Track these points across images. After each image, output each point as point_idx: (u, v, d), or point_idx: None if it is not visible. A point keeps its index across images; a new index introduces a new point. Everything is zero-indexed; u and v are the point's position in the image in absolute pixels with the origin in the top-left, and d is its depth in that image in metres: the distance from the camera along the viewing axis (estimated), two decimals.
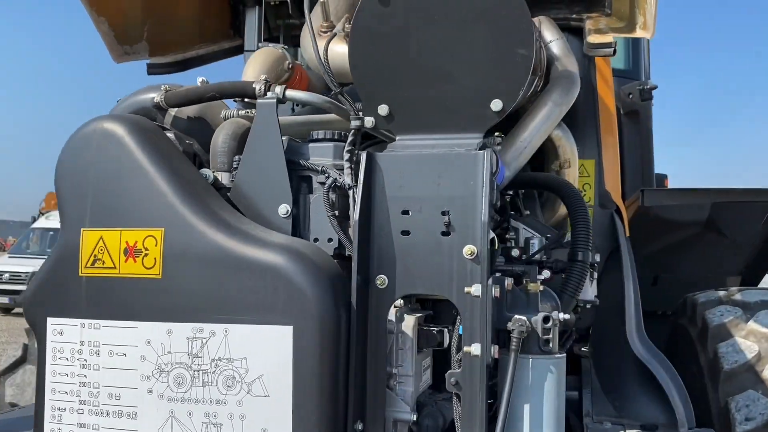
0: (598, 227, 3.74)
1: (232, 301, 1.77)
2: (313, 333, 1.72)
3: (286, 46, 2.72)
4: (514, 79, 1.93)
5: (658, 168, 5.59)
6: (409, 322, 2.00)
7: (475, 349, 1.73)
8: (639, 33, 2.72)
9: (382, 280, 1.86)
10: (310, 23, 2.09)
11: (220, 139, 2.13)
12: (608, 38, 2.80)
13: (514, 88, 1.94)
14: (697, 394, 3.04)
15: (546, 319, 1.80)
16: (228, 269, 1.78)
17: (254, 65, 2.66)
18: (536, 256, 2.72)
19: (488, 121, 1.96)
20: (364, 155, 1.88)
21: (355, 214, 1.82)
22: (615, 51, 2.90)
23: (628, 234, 3.71)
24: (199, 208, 1.84)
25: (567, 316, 1.87)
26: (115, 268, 1.86)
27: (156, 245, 1.83)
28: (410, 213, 1.88)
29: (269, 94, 2.07)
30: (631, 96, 5.09)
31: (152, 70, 3.28)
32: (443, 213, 1.84)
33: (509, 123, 2.96)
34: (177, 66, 3.29)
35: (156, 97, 2.27)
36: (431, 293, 1.86)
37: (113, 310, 1.86)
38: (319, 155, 2.08)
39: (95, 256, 1.88)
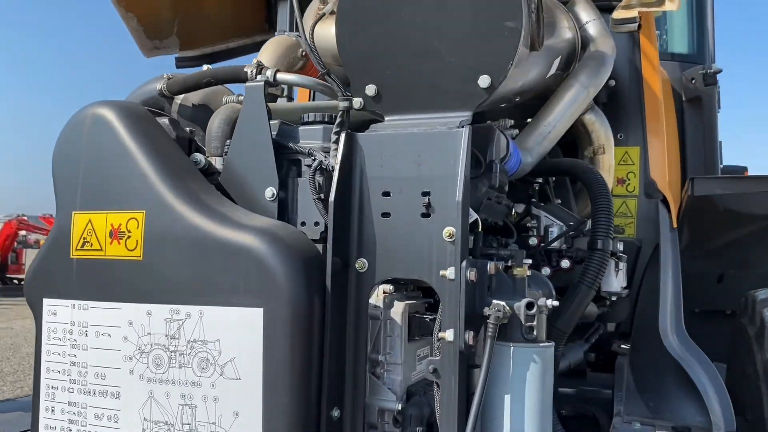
0: (643, 218, 3.54)
1: (207, 282, 1.76)
2: (283, 316, 1.68)
3: (300, 35, 2.71)
4: (501, 53, 1.84)
5: (740, 159, 5.25)
6: (399, 309, 1.94)
7: (450, 335, 1.65)
8: (667, 6, 2.54)
9: (361, 263, 1.81)
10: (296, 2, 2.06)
11: (215, 124, 2.13)
12: (632, 13, 2.64)
13: (502, 63, 1.84)
14: (752, 398, 2.82)
15: (530, 306, 1.70)
16: (203, 251, 1.77)
17: (266, 54, 2.66)
18: (555, 244, 2.61)
19: (477, 98, 1.87)
20: (343, 135, 1.83)
21: (331, 195, 1.78)
22: (640, 26, 2.74)
23: (675, 225, 3.49)
24: (181, 191, 1.84)
25: (555, 303, 1.75)
26: (101, 250, 1.89)
27: (138, 227, 1.84)
28: (391, 194, 1.82)
29: (259, 77, 2.06)
30: (693, 81, 4.82)
31: (180, 63, 3.34)
32: (423, 194, 1.77)
33: (536, 107, 2.86)
34: (205, 59, 3.35)
35: (158, 85, 2.31)
36: (410, 277, 1.79)
37: (99, 291, 1.89)
38: (309, 138, 2.05)
39: (84, 238, 1.92)
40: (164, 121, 2.09)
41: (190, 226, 1.79)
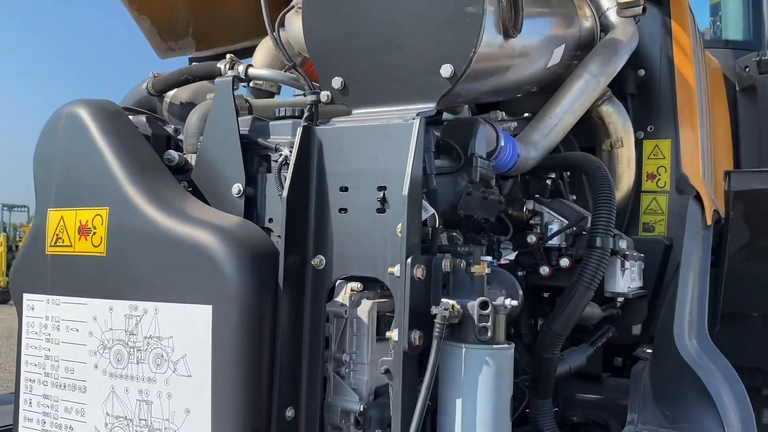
0: (675, 215, 3.34)
1: (162, 279, 1.76)
2: (231, 314, 1.66)
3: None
4: (463, 41, 1.76)
5: None
6: (365, 308, 1.89)
7: (396, 334, 1.59)
8: None
9: (319, 260, 1.77)
10: None
11: (192, 121, 2.13)
12: None
13: (464, 51, 1.76)
14: None
15: (484, 305, 1.61)
16: (159, 247, 1.77)
17: (261, 52, 2.66)
18: (555, 242, 2.48)
19: (440, 88, 1.80)
20: (300, 129, 1.79)
21: (285, 191, 1.74)
22: (645, 9, 2.57)
23: (709, 222, 3.27)
24: (143, 188, 1.85)
25: (515, 303, 1.66)
26: (71, 246, 1.92)
27: (102, 224, 1.86)
28: (349, 189, 1.77)
29: (230, 72, 2.05)
30: (747, 69, 4.54)
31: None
32: (379, 189, 1.71)
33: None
34: (221, 59, 3.37)
35: (145, 84, 2.33)
36: (366, 275, 1.73)
37: (69, 286, 1.93)
38: (279, 133, 2.02)
39: (57, 235, 1.96)
40: (141, 119, 2.11)
41: (148, 222, 1.80)
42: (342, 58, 1.91)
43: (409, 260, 1.59)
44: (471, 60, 1.77)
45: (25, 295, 2.02)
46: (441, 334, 1.56)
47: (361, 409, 1.81)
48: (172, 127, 2.25)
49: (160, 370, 1.75)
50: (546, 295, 2.61)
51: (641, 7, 2.59)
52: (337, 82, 1.91)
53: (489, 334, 1.61)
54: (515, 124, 2.74)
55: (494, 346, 1.61)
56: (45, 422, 1.96)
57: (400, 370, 1.58)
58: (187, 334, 1.71)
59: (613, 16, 3.06)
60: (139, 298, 1.79)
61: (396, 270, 1.60)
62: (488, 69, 1.97)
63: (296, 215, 1.76)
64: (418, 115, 1.73)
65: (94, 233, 1.87)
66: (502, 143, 2.28)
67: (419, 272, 1.60)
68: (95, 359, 1.86)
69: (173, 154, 2.07)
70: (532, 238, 2.48)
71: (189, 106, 2.40)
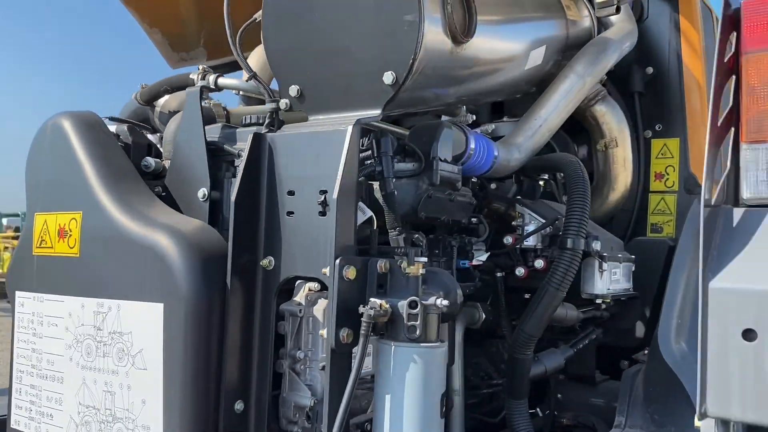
0: (684, 215, 3.26)
1: (124, 278, 1.89)
2: (180, 311, 1.77)
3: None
4: (402, 48, 1.81)
5: None
6: (321, 306, 1.96)
7: (325, 332, 1.66)
8: None
9: (268, 261, 1.86)
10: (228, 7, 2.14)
11: (170, 129, 2.26)
12: None
13: (404, 58, 1.81)
14: None
15: (413, 305, 1.66)
16: (122, 249, 1.90)
17: (253, 59, 2.76)
18: (531, 243, 2.49)
19: (384, 95, 1.85)
20: (250, 136, 1.89)
21: (233, 195, 1.83)
22: (618, 9, 2.54)
23: None
24: (112, 194, 1.98)
25: (446, 303, 1.69)
26: (52, 247, 2.08)
27: (76, 227, 2.01)
28: (295, 193, 1.84)
29: (201, 83, 2.16)
30: None
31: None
32: (321, 192, 1.78)
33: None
34: (228, 67, 3.51)
35: (134, 94, 2.48)
36: (309, 275, 1.80)
37: (50, 284, 2.08)
38: (243, 140, 2.11)
39: (41, 237, 2.11)
40: (123, 128, 2.25)
41: (113, 225, 1.93)
42: (298, 67, 1.99)
43: (337, 261, 1.65)
44: (412, 67, 1.81)
45: (17, 293, 2.19)
46: (367, 332, 1.62)
47: (311, 404, 1.89)
48: (159, 134, 2.39)
49: (122, 363, 1.87)
50: (527, 296, 2.61)
51: (615, 6, 2.56)
52: (293, 90, 1.99)
53: (418, 332, 1.65)
54: (493, 126, 2.77)
55: (422, 344, 1.66)
56: (31, 410, 2.12)
57: (328, 367, 1.65)
58: (143, 330, 1.83)
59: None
60: (106, 296, 1.92)
61: (327, 270, 1.67)
62: (440, 75, 2.01)
63: (246, 218, 1.85)
64: (358, 121, 1.79)
65: (70, 235, 2.02)
66: (472, 146, 2.31)
67: (349, 273, 1.66)
68: (70, 352, 2.00)
69: (150, 160, 2.20)
70: (508, 239, 2.50)
71: (176, 114, 2.53)
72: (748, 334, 1.20)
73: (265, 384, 1.86)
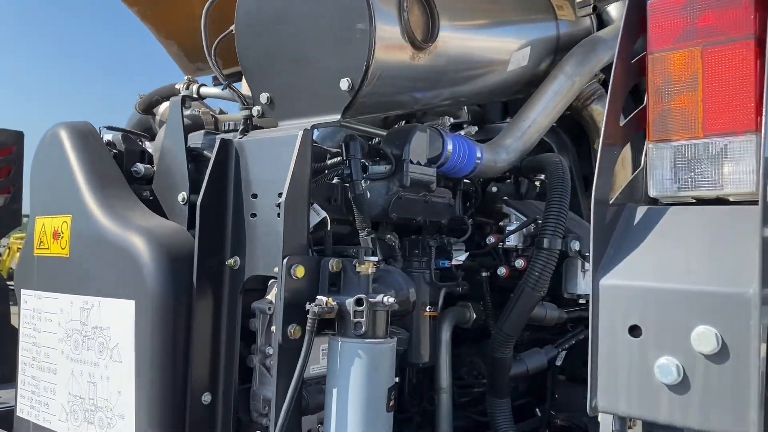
0: None
1: (103, 277, 2.02)
2: (149, 308, 1.88)
3: None
4: (356, 55, 1.88)
5: None
6: None
7: (273, 328, 1.74)
8: None
9: (234, 261, 1.95)
10: (206, 17, 2.25)
11: (159, 136, 2.39)
12: None
13: (358, 64, 1.88)
14: None
15: (359, 302, 1.72)
16: (102, 249, 2.03)
17: None
18: (512, 243, 2.51)
19: (342, 101, 1.93)
20: (217, 142, 1.99)
21: (199, 198, 1.94)
22: (595, 8, 2.53)
23: None
24: (97, 198, 2.12)
25: (391, 300, 1.75)
26: (48, 248, 2.24)
27: (67, 229, 2.16)
28: (258, 196, 1.94)
29: (185, 92, 2.28)
30: None
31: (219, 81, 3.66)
32: (279, 194, 1.87)
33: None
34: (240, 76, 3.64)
35: (135, 105, 2.63)
36: (268, 274, 1.89)
37: (47, 283, 2.24)
38: None
39: (40, 239, 2.28)
40: (117, 136, 2.40)
41: (97, 227, 2.06)
42: (267, 75, 2.09)
43: (285, 260, 1.74)
44: (366, 73, 1.88)
45: (22, 291, 2.37)
46: (312, 328, 1.69)
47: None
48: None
49: (102, 356, 2.01)
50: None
51: (591, 6, 2.55)
52: (263, 98, 2.09)
53: (364, 329, 1.72)
54: (476, 128, 2.79)
55: (367, 340, 1.72)
56: (32, 399, 2.28)
57: (275, 362, 1.73)
58: (119, 325, 1.96)
59: (613, 11, 3.02)
60: (90, 294, 2.06)
61: (276, 270, 1.76)
62: (404, 80, 2.06)
63: (213, 220, 1.95)
64: (314, 126, 1.87)
65: (62, 237, 2.17)
66: (450, 148, 2.35)
67: (297, 271, 1.74)
68: (62, 346, 2.16)
69: (140, 166, 2.34)
70: (490, 239, 2.53)
71: None
72: (634, 331, 1.21)
73: (232, 377, 1.95)
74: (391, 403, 1.76)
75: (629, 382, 1.20)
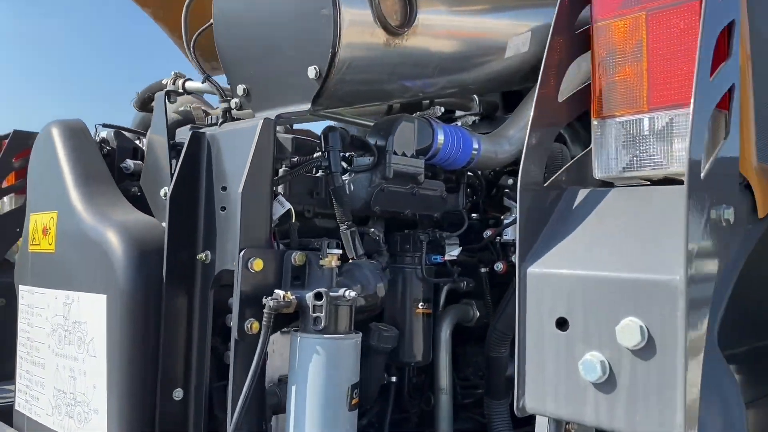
0: None
1: (82, 272, 2.03)
2: (119, 302, 1.87)
3: None
4: (322, 42, 1.82)
5: None
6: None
7: (230, 322, 1.70)
8: None
9: (205, 255, 1.92)
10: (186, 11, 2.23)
11: (150, 132, 2.39)
12: None
13: (324, 51, 1.82)
14: None
15: (318, 296, 1.66)
16: (81, 244, 2.04)
17: None
18: (510, 237, 2.40)
19: (310, 89, 1.87)
20: (188, 135, 1.96)
21: (168, 192, 1.92)
22: None
23: (762, 215, 2.88)
24: (81, 194, 2.13)
25: (353, 294, 1.68)
26: (39, 244, 2.26)
27: (54, 225, 2.18)
28: (227, 189, 1.90)
29: (171, 87, 2.27)
30: None
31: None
32: None
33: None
34: None
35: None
36: (233, 268, 1.85)
37: (37, 278, 2.27)
38: None
39: (33, 235, 2.31)
40: (110, 133, 2.42)
41: (78, 222, 2.07)
42: (243, 66, 2.05)
43: (242, 253, 1.69)
44: (334, 60, 1.82)
45: (20, 286, 2.41)
46: (269, 323, 1.64)
47: None
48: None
49: (80, 351, 2.01)
50: None
51: None
52: (240, 89, 2.05)
53: (323, 324, 1.65)
54: (474, 119, 2.68)
55: (326, 335, 1.66)
56: (27, 393, 2.32)
57: (233, 357, 1.69)
58: (94, 320, 1.96)
59: None
60: (71, 288, 2.07)
61: (234, 263, 1.71)
62: (380, 68, 1.99)
63: (183, 214, 1.93)
64: (278, 116, 1.83)
65: (50, 233, 2.19)
66: (441, 139, 2.27)
67: (254, 264, 1.69)
68: (49, 341, 2.18)
69: (129, 163, 2.35)
70: (487, 233, 2.42)
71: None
72: (561, 324, 1.10)
73: (204, 372, 1.92)
74: (354, 401, 1.69)
75: (557, 380, 1.10)
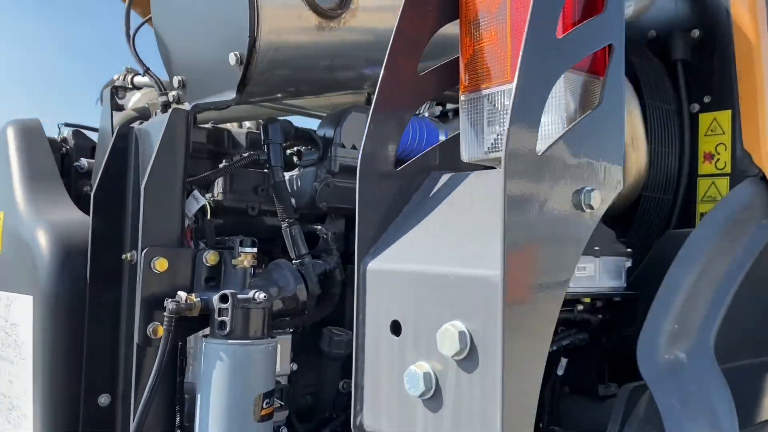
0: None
1: (16, 273, 1.97)
2: (43, 304, 1.81)
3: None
4: (240, 28, 1.70)
5: None
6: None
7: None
8: None
9: (130, 255, 1.83)
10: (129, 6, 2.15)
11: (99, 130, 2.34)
12: None
13: (242, 36, 1.70)
14: None
15: (223, 299, 1.54)
16: (18, 244, 1.99)
17: None
18: None
19: (233, 78, 1.76)
20: (115, 131, 1.89)
21: (92, 190, 1.84)
22: None
23: None
24: (26, 193, 2.08)
25: (263, 296, 1.55)
26: None
27: (2, 226, 2.14)
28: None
29: (119, 82, 2.21)
30: None
31: None
32: None
33: None
34: None
35: None
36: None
37: None
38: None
39: None
40: (70, 132, 2.38)
41: (18, 222, 2.03)
42: (178, 58, 1.96)
43: (144, 252, 1.59)
44: (254, 45, 1.70)
45: None
46: (170, 326, 1.54)
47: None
48: None
49: (15, 353, 1.96)
50: None
51: None
52: (176, 81, 1.96)
53: (228, 328, 1.54)
54: (440, 108, 2.51)
55: (231, 341, 1.54)
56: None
57: (133, 363, 1.59)
58: (24, 321, 1.90)
59: None
60: (9, 290, 2.02)
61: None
62: (315, 53, 1.86)
63: (108, 213, 1.84)
64: (193, 107, 1.72)
65: (2, 234, 2.16)
66: (419, 127, 2.12)
67: (158, 264, 1.59)
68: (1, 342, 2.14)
69: (83, 161, 2.30)
70: None
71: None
72: (396, 328, 0.93)
73: (129, 377, 1.83)
74: (265, 411, 1.56)
75: (390, 393, 0.94)
